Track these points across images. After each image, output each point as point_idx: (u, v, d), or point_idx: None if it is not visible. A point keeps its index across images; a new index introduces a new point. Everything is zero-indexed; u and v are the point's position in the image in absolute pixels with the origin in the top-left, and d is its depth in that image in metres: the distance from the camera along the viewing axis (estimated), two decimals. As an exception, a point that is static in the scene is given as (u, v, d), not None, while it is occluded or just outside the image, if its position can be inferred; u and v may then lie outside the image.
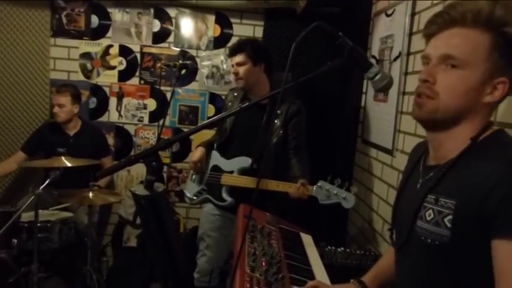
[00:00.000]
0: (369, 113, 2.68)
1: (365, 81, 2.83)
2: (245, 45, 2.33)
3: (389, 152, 2.25)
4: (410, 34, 2.09)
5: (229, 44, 3.30)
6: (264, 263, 1.36)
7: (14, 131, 3.36)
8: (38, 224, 2.29)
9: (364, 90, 2.84)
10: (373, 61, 2.39)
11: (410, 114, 2.02)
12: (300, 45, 1.10)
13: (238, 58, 2.32)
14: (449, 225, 0.90)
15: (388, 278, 1.31)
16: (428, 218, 0.96)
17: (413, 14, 2.07)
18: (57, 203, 2.74)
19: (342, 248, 2.16)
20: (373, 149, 2.55)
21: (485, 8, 0.90)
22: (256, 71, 2.34)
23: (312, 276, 1.45)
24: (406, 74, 2.11)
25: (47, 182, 2.27)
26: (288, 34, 3.14)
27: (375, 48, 2.60)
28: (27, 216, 2.40)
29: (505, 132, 0.97)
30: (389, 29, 2.38)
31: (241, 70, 2.31)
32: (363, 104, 2.85)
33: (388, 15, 2.41)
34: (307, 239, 1.86)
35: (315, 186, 2.11)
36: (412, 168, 1.14)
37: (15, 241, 2.31)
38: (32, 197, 2.23)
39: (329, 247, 2.15)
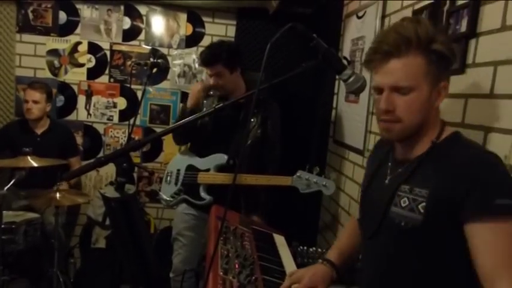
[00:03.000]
0: (341, 113, 2.72)
1: (337, 82, 2.87)
2: (219, 54, 2.27)
3: (360, 152, 2.29)
4: (381, 37, 2.13)
5: (201, 44, 3.29)
6: (237, 265, 1.35)
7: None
8: (2, 226, 2.21)
9: (335, 91, 2.88)
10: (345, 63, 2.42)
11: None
12: (274, 46, 1.09)
13: (215, 69, 2.27)
14: (422, 210, 1.03)
15: (350, 254, 1.44)
16: (403, 205, 1.08)
17: (383, 17, 2.11)
18: (23, 203, 2.64)
19: (314, 248, 2.18)
20: (345, 150, 2.58)
21: (411, 34, 1.02)
22: (233, 77, 2.32)
23: (284, 277, 1.45)
24: (377, 75, 2.14)
25: (11, 182, 2.19)
26: (260, 34, 3.14)
27: (346, 49, 2.63)
28: (-10, 218, 2.30)
29: (460, 132, 1.12)
30: (360, 31, 2.42)
31: (220, 81, 2.29)
32: (334, 104, 2.88)
33: (359, 17, 2.45)
34: (280, 240, 1.86)
35: (294, 177, 2.12)
36: (378, 165, 1.26)
37: (-22, 244, 2.22)
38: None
39: (301, 247, 2.17)
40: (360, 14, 2.43)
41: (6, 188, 2.16)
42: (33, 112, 2.88)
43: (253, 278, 1.30)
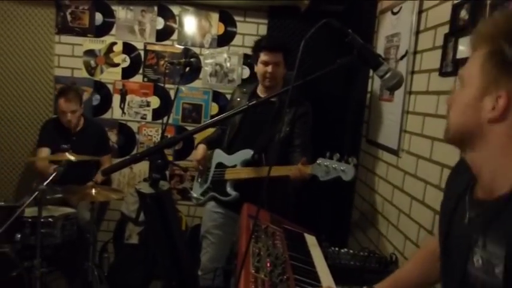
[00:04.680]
0: (374, 112, 2.66)
1: (370, 80, 2.81)
2: (283, 44, 2.31)
3: (394, 152, 2.23)
4: (417, 32, 2.07)
5: (233, 43, 3.31)
6: (268, 264, 1.34)
7: (18, 126, 3.36)
8: (41, 220, 2.28)
9: (369, 89, 2.82)
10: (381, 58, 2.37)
11: (417, 114, 2.00)
12: (306, 45, 1.08)
13: (276, 57, 2.29)
14: (499, 276, 0.78)
15: None
16: (476, 265, 0.86)
17: (420, 12, 2.05)
18: (60, 198, 2.73)
19: (346, 249, 2.14)
20: (378, 149, 2.53)
21: (479, 28, 0.91)
22: (283, 72, 2.36)
23: (316, 278, 1.43)
24: (413, 72, 2.09)
25: (50, 177, 2.27)
26: (292, 32, 3.12)
27: (380, 46, 2.58)
28: (30, 212, 2.40)
29: None
30: (395, 27, 2.36)
31: (278, 70, 2.31)
32: (367, 103, 2.83)
33: (394, 13, 2.39)
34: (311, 240, 1.84)
35: (314, 164, 2.06)
36: (458, 197, 1.00)
37: (19, 236, 2.31)
38: (36, 193, 2.22)
39: (332, 248, 2.14)
40: (395, 9, 2.37)
41: (45, 183, 2.23)
42: (73, 122, 2.97)
43: (285, 277, 1.29)
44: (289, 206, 2.48)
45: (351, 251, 2.13)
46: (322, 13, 2.86)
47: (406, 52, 2.14)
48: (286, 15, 3.15)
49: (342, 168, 1.96)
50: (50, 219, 2.46)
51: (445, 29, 1.77)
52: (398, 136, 2.18)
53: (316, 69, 1.15)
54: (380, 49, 2.59)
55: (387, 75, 1.14)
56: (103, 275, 2.96)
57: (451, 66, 1.69)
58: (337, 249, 2.13)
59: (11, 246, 2.29)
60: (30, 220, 2.37)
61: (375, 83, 2.70)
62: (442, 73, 1.76)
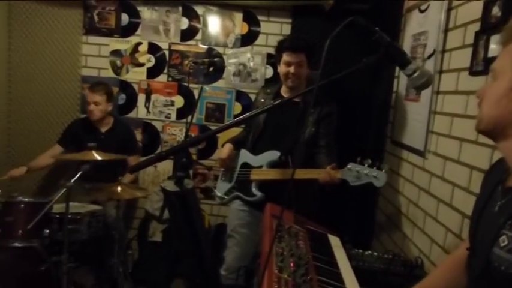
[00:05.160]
0: (400, 112, 2.61)
1: (396, 80, 2.76)
2: (306, 44, 2.30)
3: (421, 153, 2.18)
4: (446, 30, 2.02)
5: (256, 42, 3.31)
6: (292, 264, 1.33)
7: (46, 124, 3.46)
8: (69, 216, 2.33)
9: (394, 89, 2.77)
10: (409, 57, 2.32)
11: (445, 115, 1.95)
12: (331, 44, 1.07)
13: (299, 57, 2.29)
14: None
15: None
16: (502, 245, 0.90)
17: (450, 9, 2.00)
18: (87, 196, 2.79)
19: (370, 251, 2.11)
20: (404, 150, 2.48)
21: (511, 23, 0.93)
22: (306, 72, 2.35)
23: (340, 280, 1.41)
24: (441, 72, 2.04)
25: (77, 175, 2.32)
26: (316, 32, 3.09)
27: (407, 45, 2.53)
28: (58, 208, 2.45)
29: None
30: (422, 26, 2.30)
31: (301, 71, 2.30)
32: (393, 103, 2.78)
33: (421, 11, 2.34)
34: (335, 241, 1.82)
35: (344, 169, 2.07)
36: (491, 190, 1.05)
37: (47, 231, 2.37)
38: (64, 190, 2.28)
39: (356, 250, 2.11)
40: (423, 7, 2.32)
41: (72, 180, 2.29)
42: (95, 114, 3.03)
43: (308, 277, 1.28)
44: (313, 206, 2.46)
45: (375, 254, 2.09)
46: (347, 12, 2.80)
47: (434, 51, 2.09)
48: (310, 15, 3.12)
49: (374, 174, 1.99)
50: (77, 216, 2.52)
51: (476, 26, 1.72)
52: (424, 137, 2.14)
53: (340, 69, 1.14)
54: (406, 48, 2.53)
55: (415, 74, 1.11)
56: (127, 271, 3.02)
57: (481, 65, 1.64)
58: (360, 251, 2.10)
59: (39, 241, 2.34)
60: (58, 216, 2.43)
61: (401, 83, 2.65)
62: (472, 72, 1.71)
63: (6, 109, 3.41)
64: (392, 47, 1.10)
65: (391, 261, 2.03)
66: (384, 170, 2.00)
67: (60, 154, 3.10)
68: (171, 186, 1.13)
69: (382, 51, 1.10)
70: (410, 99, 2.43)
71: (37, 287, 2.31)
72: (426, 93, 2.14)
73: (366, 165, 2.03)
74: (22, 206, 2.34)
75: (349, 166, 2.06)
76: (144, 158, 3.26)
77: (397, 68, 2.22)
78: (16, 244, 2.28)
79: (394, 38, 2.68)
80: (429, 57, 2.16)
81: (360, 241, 2.35)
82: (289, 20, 3.23)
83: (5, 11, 3.29)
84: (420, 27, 2.35)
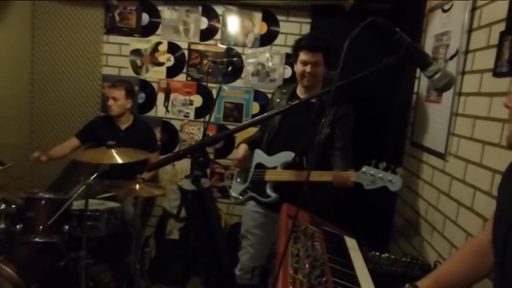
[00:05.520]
0: (420, 114, 2.57)
1: (417, 81, 2.71)
2: (323, 44, 2.28)
3: (441, 156, 2.14)
4: (470, 30, 1.97)
5: (275, 42, 3.30)
6: (307, 265, 1.33)
7: (67, 121, 3.53)
8: (88, 213, 2.37)
9: (415, 90, 2.73)
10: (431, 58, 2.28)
11: (467, 116, 1.91)
12: (350, 45, 1.05)
13: (316, 57, 2.27)
14: None
15: (450, 285, 1.17)
16: None
17: (474, 9, 1.95)
18: (105, 193, 2.83)
19: (387, 254, 2.08)
20: (424, 153, 2.44)
21: None
22: (323, 72, 2.33)
23: (356, 282, 1.40)
24: (464, 73, 1.99)
25: (97, 173, 2.36)
26: (336, 32, 3.04)
27: (429, 46, 2.48)
28: (78, 205, 2.49)
29: None
30: (445, 26, 2.26)
31: (317, 70, 2.28)
32: (413, 104, 2.73)
33: (444, 11, 2.29)
34: (351, 243, 1.80)
35: (358, 172, 2.05)
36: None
37: (67, 227, 2.41)
38: (83, 187, 2.32)
39: (373, 252, 2.08)
40: (446, 7, 2.27)
41: (92, 178, 2.32)
42: (113, 109, 3.07)
43: (324, 279, 1.27)
44: (330, 207, 2.44)
45: (392, 257, 2.06)
46: (367, 12, 2.77)
47: (457, 51, 2.04)
48: (330, 15, 3.10)
49: (389, 178, 1.97)
50: (96, 212, 2.56)
51: (501, 27, 1.67)
52: (445, 139, 2.09)
53: (360, 70, 1.12)
54: (428, 48, 2.49)
55: (437, 76, 1.09)
56: (144, 268, 3.05)
57: (506, 67, 1.60)
58: (377, 253, 2.07)
59: (59, 237, 2.38)
60: (77, 213, 2.47)
61: (422, 84, 2.60)
62: (496, 73, 1.67)
63: (29, 107, 3.50)
64: (413, 47, 1.08)
65: (409, 265, 2.00)
66: (399, 174, 1.98)
67: (77, 147, 3.16)
68: (188, 184, 1.13)
69: (403, 52, 1.08)
70: (431, 101, 2.39)
71: (56, 281, 2.35)
72: (448, 95, 2.09)
73: (381, 169, 2.00)
74: (43, 202, 2.38)
75: (363, 169, 2.04)
76: (163, 157, 3.32)
77: (418, 69, 2.19)
78: (37, 239, 2.33)
79: (415, 38, 2.64)
80: (451, 57, 2.12)
81: (378, 244, 2.31)
82: (309, 20, 3.22)
83: (29, 10, 3.37)
84: (443, 27, 2.30)
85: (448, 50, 2.19)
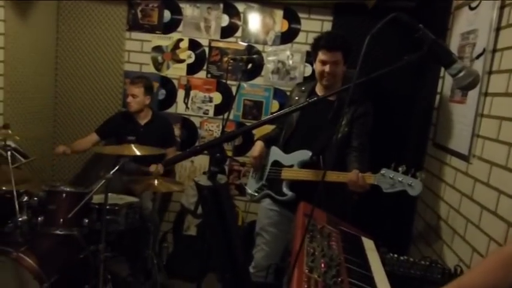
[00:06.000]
0: (443, 114, 2.51)
1: (441, 80, 2.65)
2: (342, 43, 2.24)
3: (464, 158, 2.08)
4: (498, 29, 1.90)
5: (296, 40, 3.28)
6: (323, 265, 1.31)
7: (90, 117, 3.59)
8: (107, 207, 2.40)
9: (439, 90, 2.66)
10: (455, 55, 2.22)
11: (493, 118, 1.85)
12: (371, 40, 1.03)
13: (335, 56, 2.23)
14: None
15: None
16: None
17: (503, 6, 1.88)
18: (125, 188, 2.87)
19: (405, 257, 2.04)
20: (446, 154, 2.37)
21: None
22: (342, 70, 2.30)
23: (372, 283, 1.37)
24: (490, 72, 1.93)
25: (116, 167, 2.39)
26: (358, 30, 3.02)
27: (454, 44, 2.42)
28: (97, 199, 2.53)
29: None
30: (472, 24, 2.19)
31: (336, 70, 2.25)
32: (436, 104, 2.67)
33: (472, 8, 2.23)
34: (368, 244, 1.77)
35: (377, 174, 2.01)
36: None
37: (86, 221, 2.45)
38: (103, 181, 2.35)
39: (391, 254, 2.04)
40: (473, 4, 2.20)
41: (112, 172, 2.35)
42: (132, 106, 3.12)
43: (339, 279, 1.25)
44: (348, 208, 2.41)
45: (411, 259, 2.02)
46: (391, 10, 2.73)
47: (484, 50, 1.98)
48: (352, 13, 3.06)
49: (409, 182, 1.92)
50: (115, 207, 2.59)
51: (530, 24, 1.61)
52: (469, 141, 2.03)
53: (381, 67, 1.10)
54: (454, 47, 2.43)
55: (461, 74, 1.05)
56: (161, 263, 3.08)
57: (535, 66, 1.54)
58: (396, 255, 2.03)
59: (79, 230, 2.43)
60: (97, 206, 2.51)
61: (446, 84, 2.54)
62: (524, 73, 1.61)
63: (53, 102, 3.58)
64: (436, 44, 1.05)
65: (428, 269, 1.95)
66: (419, 178, 1.93)
67: (97, 142, 3.21)
68: (204, 180, 1.13)
69: (425, 49, 1.05)
70: (456, 101, 2.32)
71: (76, 273, 2.39)
72: (473, 95, 2.03)
73: (401, 172, 1.96)
74: (64, 195, 2.43)
75: (382, 172, 2.00)
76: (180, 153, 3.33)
77: (443, 69, 2.13)
78: (57, 232, 2.38)
79: (441, 36, 2.58)
80: (478, 57, 2.06)
81: (397, 246, 2.27)
82: (330, 18, 3.18)
83: (54, 8, 3.44)
84: (469, 25, 2.24)
85: (474, 49, 2.12)
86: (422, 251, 2.54)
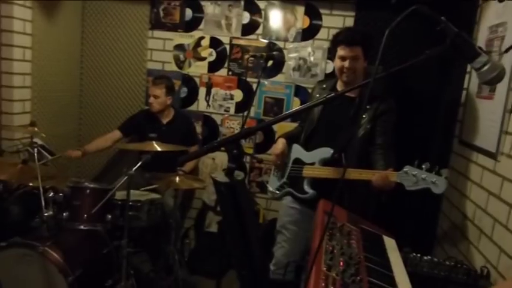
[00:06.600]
0: (470, 111, 2.43)
1: (467, 76, 2.57)
2: (361, 37, 2.20)
3: (492, 155, 2.01)
4: (527, 22, 1.84)
5: (318, 36, 3.24)
6: (342, 263, 1.29)
7: (113, 114, 3.66)
8: (130, 203, 2.43)
9: (465, 85, 2.58)
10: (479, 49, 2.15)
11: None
12: (394, 35, 1.00)
13: (354, 51, 2.19)
14: None
15: None
16: None
17: (532, -1, 1.81)
18: (147, 184, 2.90)
19: (429, 257, 1.99)
20: (473, 152, 2.30)
21: None
22: (363, 65, 2.26)
23: (393, 283, 1.34)
24: (519, 67, 1.86)
25: (138, 164, 2.42)
26: (381, 25, 2.96)
27: (482, 38, 2.34)
28: (120, 195, 2.58)
29: None
30: (501, 16, 2.12)
31: (356, 65, 2.21)
32: (463, 101, 2.59)
33: (500, 1, 2.15)
34: (390, 243, 1.73)
35: (400, 172, 1.96)
36: None
37: (110, 216, 2.49)
38: (125, 178, 2.39)
39: (414, 254, 2.00)
40: (501, -4, 2.13)
41: (134, 169, 2.39)
42: (154, 106, 3.15)
43: (358, 278, 1.22)
44: (370, 206, 2.37)
45: (435, 260, 1.97)
46: (416, 3, 2.67)
47: (513, 43, 1.91)
48: (375, 7, 2.99)
49: (432, 180, 1.88)
50: (137, 203, 2.63)
51: (562, 15, 1.54)
52: (497, 138, 1.96)
53: (404, 63, 1.07)
54: (481, 41, 2.35)
55: (485, 68, 1.01)
56: (183, 259, 3.10)
57: None
58: (419, 255, 1.98)
59: (102, 226, 2.47)
60: (119, 203, 2.55)
61: (473, 79, 2.46)
62: (556, 67, 1.54)
63: (78, 100, 3.66)
64: (459, 37, 1.01)
65: (453, 269, 1.90)
66: (443, 176, 1.87)
67: (119, 139, 3.26)
68: (221, 177, 1.13)
69: (448, 43, 1.01)
70: (483, 97, 2.25)
71: (100, 268, 2.44)
72: (501, 91, 1.96)
73: (424, 169, 1.91)
74: (87, 191, 2.48)
75: (405, 169, 1.96)
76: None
77: (468, 63, 2.06)
78: (81, 227, 2.43)
79: (468, 30, 2.50)
80: (507, 50, 1.98)
81: (421, 246, 2.22)
82: (353, 13, 3.13)
83: (79, 8, 3.52)
84: (498, 18, 2.16)
85: (503, 43, 2.05)
86: (448, 251, 2.47)
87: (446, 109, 2.77)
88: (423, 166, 1.92)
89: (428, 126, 2.87)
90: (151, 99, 3.14)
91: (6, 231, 2.34)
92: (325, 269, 1.23)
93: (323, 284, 1.14)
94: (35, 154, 2.37)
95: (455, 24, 1.08)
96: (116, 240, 2.48)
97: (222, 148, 1.18)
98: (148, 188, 2.84)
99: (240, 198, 1.16)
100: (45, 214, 2.28)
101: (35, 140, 2.68)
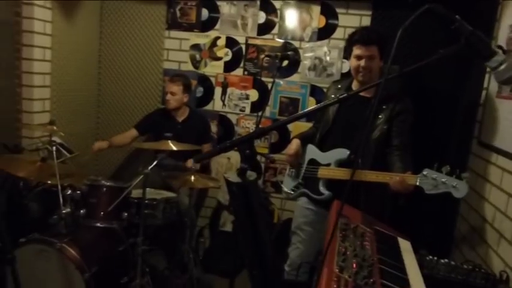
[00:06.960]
0: (490, 111, 2.38)
1: (487, 76, 2.51)
2: (377, 37, 2.18)
3: (512, 157, 1.96)
4: (549, 20, 1.78)
5: (334, 36, 3.22)
6: (354, 265, 1.27)
7: (130, 113, 3.71)
8: (145, 201, 2.46)
9: (485, 85, 2.52)
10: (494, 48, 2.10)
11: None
12: (409, 34, 0.99)
13: (370, 51, 2.17)
14: None
15: None
16: None
17: (554, -4, 1.76)
18: (163, 183, 2.93)
19: (446, 260, 1.95)
20: (492, 153, 2.25)
21: None
22: (379, 65, 2.23)
23: (407, 286, 1.32)
24: (540, 66, 1.80)
25: (154, 163, 2.44)
26: (398, 24, 2.87)
27: (503, 36, 2.28)
28: (136, 193, 2.60)
29: None
30: (521, 15, 2.06)
31: (372, 65, 2.19)
32: (482, 101, 2.53)
33: (521, -1, 2.10)
34: (405, 245, 1.71)
35: (419, 175, 1.93)
36: None
37: (125, 214, 2.53)
38: (141, 176, 2.41)
39: (430, 257, 1.96)
40: (522, -6, 2.07)
41: (150, 167, 2.41)
42: (171, 103, 3.18)
43: (371, 280, 1.21)
44: (386, 208, 2.34)
45: (452, 263, 1.93)
46: (434, 2, 2.62)
47: (533, 42, 1.86)
48: (392, 6, 2.95)
49: (453, 184, 1.83)
50: (153, 201, 2.65)
51: None
52: (517, 139, 1.92)
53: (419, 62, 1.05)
54: (502, 40, 2.29)
55: (502, 67, 0.99)
56: (198, 258, 3.12)
57: None
58: (435, 258, 1.95)
59: (118, 223, 2.51)
60: (135, 201, 2.58)
61: (492, 78, 2.40)
62: None
63: (96, 99, 3.73)
64: (474, 36, 0.99)
65: (470, 273, 1.86)
66: (465, 180, 1.83)
67: (135, 138, 3.31)
68: (233, 177, 1.14)
69: (462, 41, 0.99)
70: (504, 97, 2.19)
71: (115, 265, 2.48)
72: (521, 90, 1.91)
73: (444, 173, 1.87)
74: (104, 189, 2.51)
75: (424, 172, 1.92)
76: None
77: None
78: (98, 224, 2.47)
79: (488, 28, 2.44)
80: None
81: (438, 249, 2.18)
82: (369, 13, 3.10)
83: (98, 8, 3.58)
84: (518, 16, 2.10)
85: (523, 41, 2.00)
86: (466, 255, 2.42)
87: (465, 109, 2.71)
88: (443, 169, 1.88)
89: (446, 126, 2.82)
90: (168, 96, 3.17)
91: (25, 227, 2.39)
92: (337, 270, 1.21)
93: (335, 286, 1.13)
94: (54, 152, 2.42)
95: (474, 22, 1.06)
96: (131, 238, 2.51)
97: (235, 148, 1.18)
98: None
99: (251, 198, 1.16)
100: (63, 211, 2.33)
101: (53, 138, 2.73)
